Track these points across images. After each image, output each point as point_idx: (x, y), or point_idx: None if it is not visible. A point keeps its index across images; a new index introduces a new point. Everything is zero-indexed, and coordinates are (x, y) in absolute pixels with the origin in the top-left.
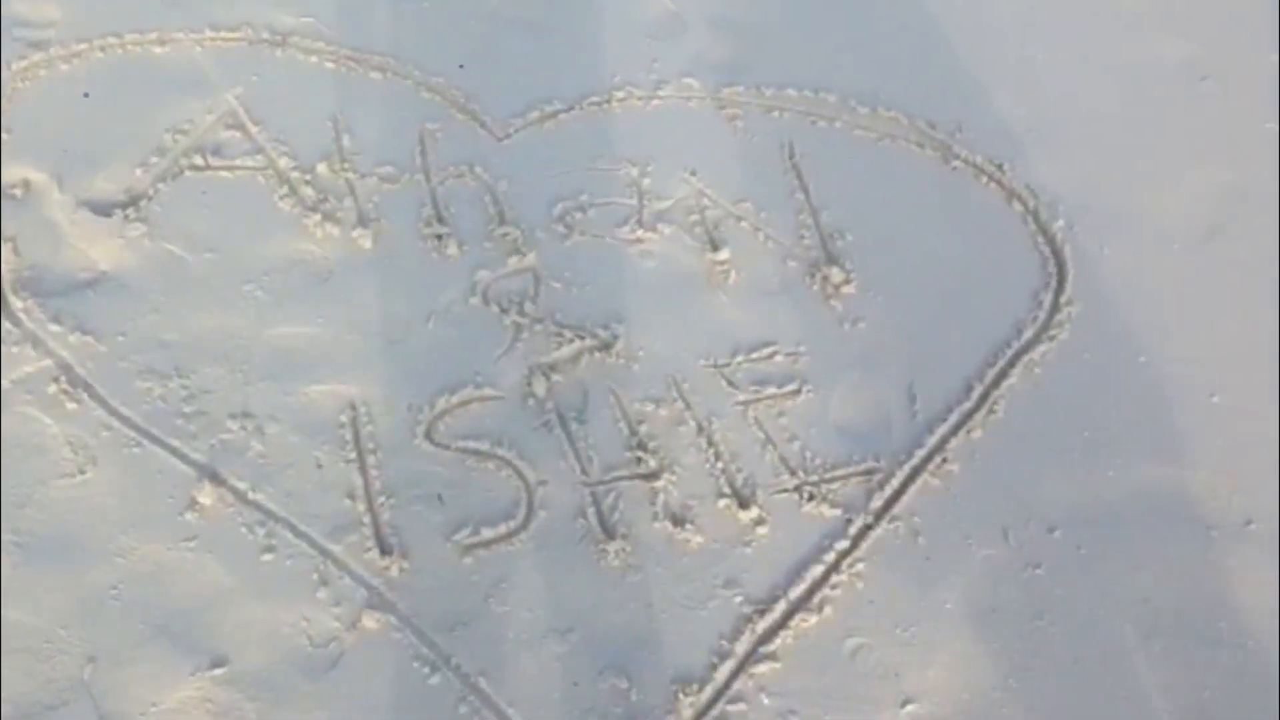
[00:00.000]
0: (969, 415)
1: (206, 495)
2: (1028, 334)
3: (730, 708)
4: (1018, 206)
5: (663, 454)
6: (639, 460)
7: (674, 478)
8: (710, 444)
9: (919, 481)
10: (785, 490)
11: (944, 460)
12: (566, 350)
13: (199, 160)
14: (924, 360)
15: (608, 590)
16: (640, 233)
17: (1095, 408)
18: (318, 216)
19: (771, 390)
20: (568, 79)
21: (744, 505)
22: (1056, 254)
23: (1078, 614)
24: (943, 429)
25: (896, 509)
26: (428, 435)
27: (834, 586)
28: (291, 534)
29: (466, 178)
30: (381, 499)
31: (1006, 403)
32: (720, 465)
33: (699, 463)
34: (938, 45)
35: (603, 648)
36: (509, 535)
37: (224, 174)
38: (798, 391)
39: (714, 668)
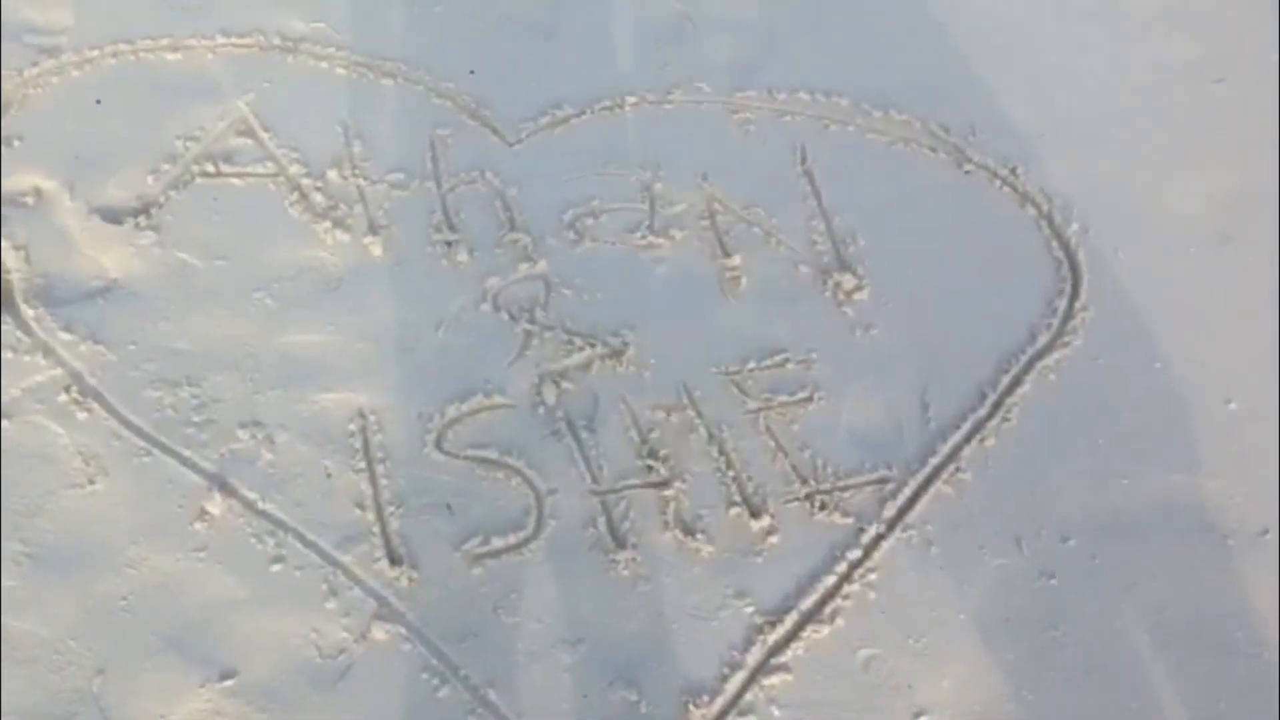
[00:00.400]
0: (982, 423)
1: (216, 505)
2: (1042, 340)
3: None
4: (1031, 211)
5: (673, 462)
6: (649, 468)
7: (684, 486)
8: (721, 452)
9: (932, 490)
10: (797, 499)
11: (957, 469)
12: (577, 357)
13: (210, 167)
14: (937, 367)
15: (618, 600)
16: (651, 238)
17: (1110, 415)
18: (328, 223)
19: (783, 398)
20: (578, 84)
21: (755, 514)
22: (1070, 258)
23: (1092, 624)
24: (956, 437)
25: (909, 518)
26: (437, 444)
27: (846, 596)
28: (301, 544)
29: (477, 184)
30: (391, 508)
31: (1020, 410)
32: (731, 474)
33: (710, 471)
34: (951, 49)
35: (612, 658)
36: (518, 545)
37: (235, 181)
38: (809, 399)
39: (725, 679)
